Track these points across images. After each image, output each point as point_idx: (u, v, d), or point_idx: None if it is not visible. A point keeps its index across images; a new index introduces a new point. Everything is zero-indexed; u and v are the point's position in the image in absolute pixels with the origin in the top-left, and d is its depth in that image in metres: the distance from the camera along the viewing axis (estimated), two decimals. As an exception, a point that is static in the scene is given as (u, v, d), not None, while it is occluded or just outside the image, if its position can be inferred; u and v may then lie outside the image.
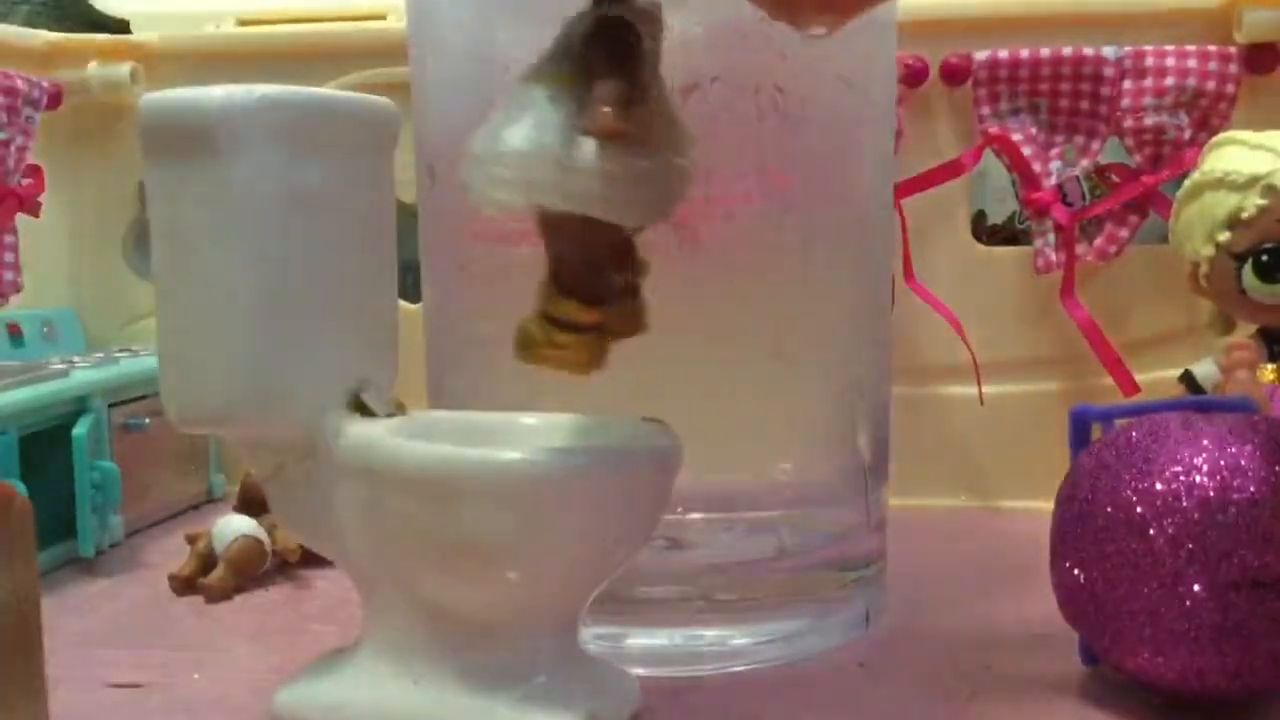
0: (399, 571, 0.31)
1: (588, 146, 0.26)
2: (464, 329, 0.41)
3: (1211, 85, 0.55)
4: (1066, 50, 0.55)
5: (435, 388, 0.42)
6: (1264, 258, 0.47)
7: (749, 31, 0.34)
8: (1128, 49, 0.55)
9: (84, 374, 0.51)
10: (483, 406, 0.36)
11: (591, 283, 0.28)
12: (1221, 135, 0.51)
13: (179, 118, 0.30)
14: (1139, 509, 0.32)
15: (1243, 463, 0.31)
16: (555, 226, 0.28)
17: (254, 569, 0.47)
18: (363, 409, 0.32)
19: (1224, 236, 0.47)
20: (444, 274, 0.41)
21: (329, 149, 0.31)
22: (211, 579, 0.46)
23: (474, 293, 0.40)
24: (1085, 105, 0.56)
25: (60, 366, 0.52)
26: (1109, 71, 0.55)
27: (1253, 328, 0.50)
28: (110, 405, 0.52)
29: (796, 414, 0.39)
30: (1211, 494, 0.31)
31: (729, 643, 0.38)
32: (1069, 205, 0.59)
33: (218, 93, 0.30)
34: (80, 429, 0.49)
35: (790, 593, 0.39)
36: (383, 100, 0.33)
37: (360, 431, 0.31)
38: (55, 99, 0.63)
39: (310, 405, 0.31)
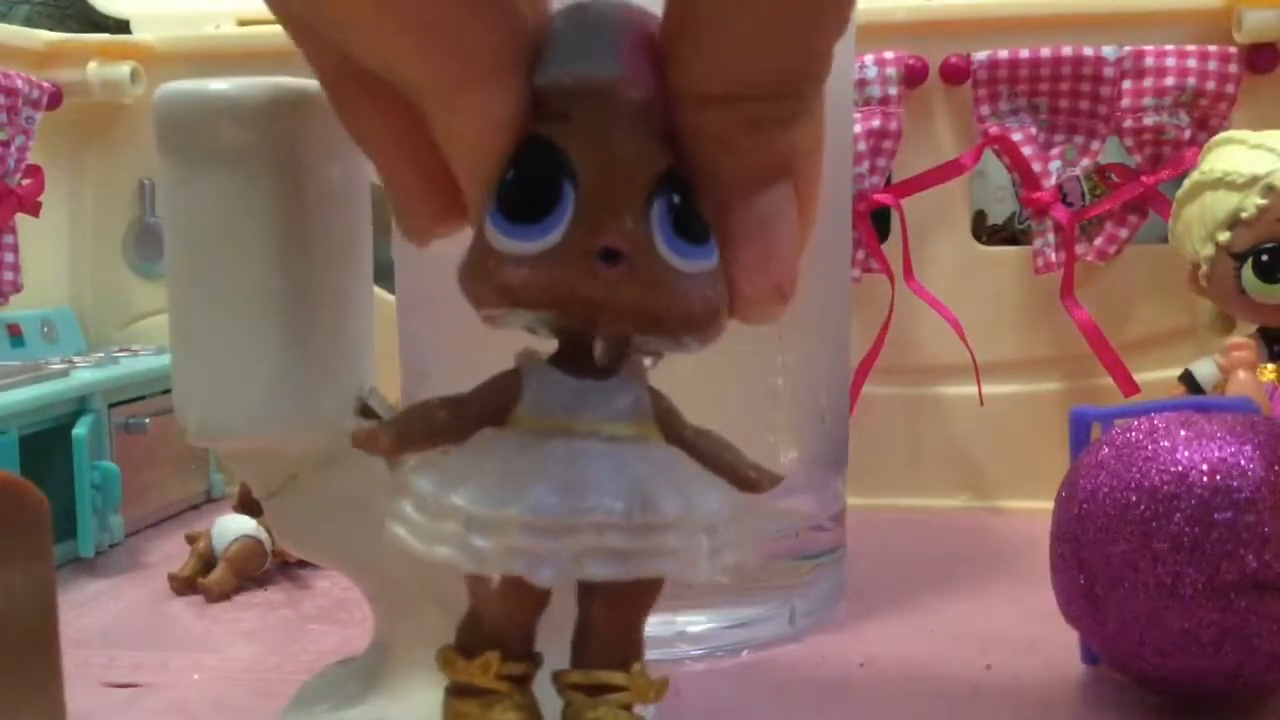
0: (432, 576, 0.30)
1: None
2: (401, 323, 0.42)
3: (1211, 85, 0.55)
4: (1066, 50, 0.55)
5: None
6: (1264, 258, 0.47)
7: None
8: (1128, 49, 0.55)
9: (84, 374, 0.51)
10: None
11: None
12: (1221, 135, 0.51)
13: (204, 110, 0.28)
14: (1139, 509, 0.32)
15: (1243, 463, 0.31)
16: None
17: (254, 569, 0.47)
18: (368, 413, 0.31)
19: (1224, 236, 0.47)
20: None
21: (342, 142, 0.30)
22: (211, 579, 0.46)
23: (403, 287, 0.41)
24: (1085, 105, 0.56)
25: (60, 366, 0.52)
26: (1109, 71, 0.55)
27: (1253, 328, 0.50)
28: (110, 405, 0.52)
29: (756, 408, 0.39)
30: (1211, 494, 0.31)
31: (690, 628, 0.39)
32: (1069, 205, 0.59)
33: (246, 84, 0.28)
34: (80, 429, 0.48)
35: (755, 579, 0.40)
36: None
37: None
38: (55, 99, 0.63)
39: (332, 411, 0.30)
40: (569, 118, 0.21)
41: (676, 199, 0.21)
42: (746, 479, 0.24)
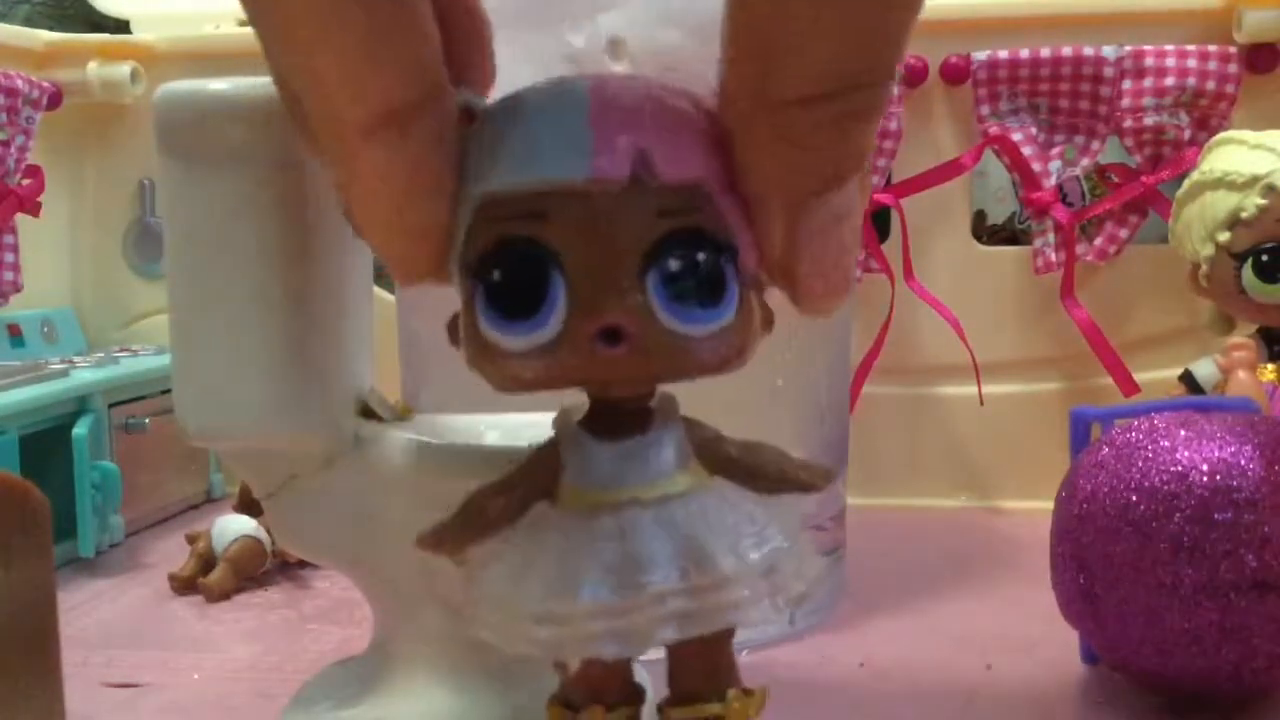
0: (432, 576, 0.30)
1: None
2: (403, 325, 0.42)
3: (1211, 85, 0.55)
4: (1066, 50, 0.55)
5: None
6: (1264, 258, 0.47)
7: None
8: (1128, 49, 0.55)
9: (84, 374, 0.51)
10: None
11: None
12: (1221, 135, 0.51)
13: (204, 110, 0.28)
14: (1139, 509, 0.32)
15: (1243, 463, 0.31)
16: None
17: (254, 569, 0.47)
18: (368, 413, 0.31)
19: (1224, 236, 0.47)
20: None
21: None
22: (211, 579, 0.46)
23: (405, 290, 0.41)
24: (1085, 105, 0.56)
25: (60, 366, 0.52)
26: (1109, 71, 0.55)
27: (1253, 328, 0.50)
28: (110, 405, 0.52)
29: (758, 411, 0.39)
30: (1211, 494, 0.31)
31: None
32: (1069, 205, 0.59)
33: (246, 84, 0.28)
34: (80, 429, 0.48)
35: None
36: None
37: (387, 435, 0.30)
38: (55, 99, 0.63)
39: (332, 412, 0.30)
40: (546, 216, 0.21)
41: (673, 265, 0.21)
42: (798, 481, 0.24)
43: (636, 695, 0.24)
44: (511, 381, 0.22)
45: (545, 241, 0.21)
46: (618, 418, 0.23)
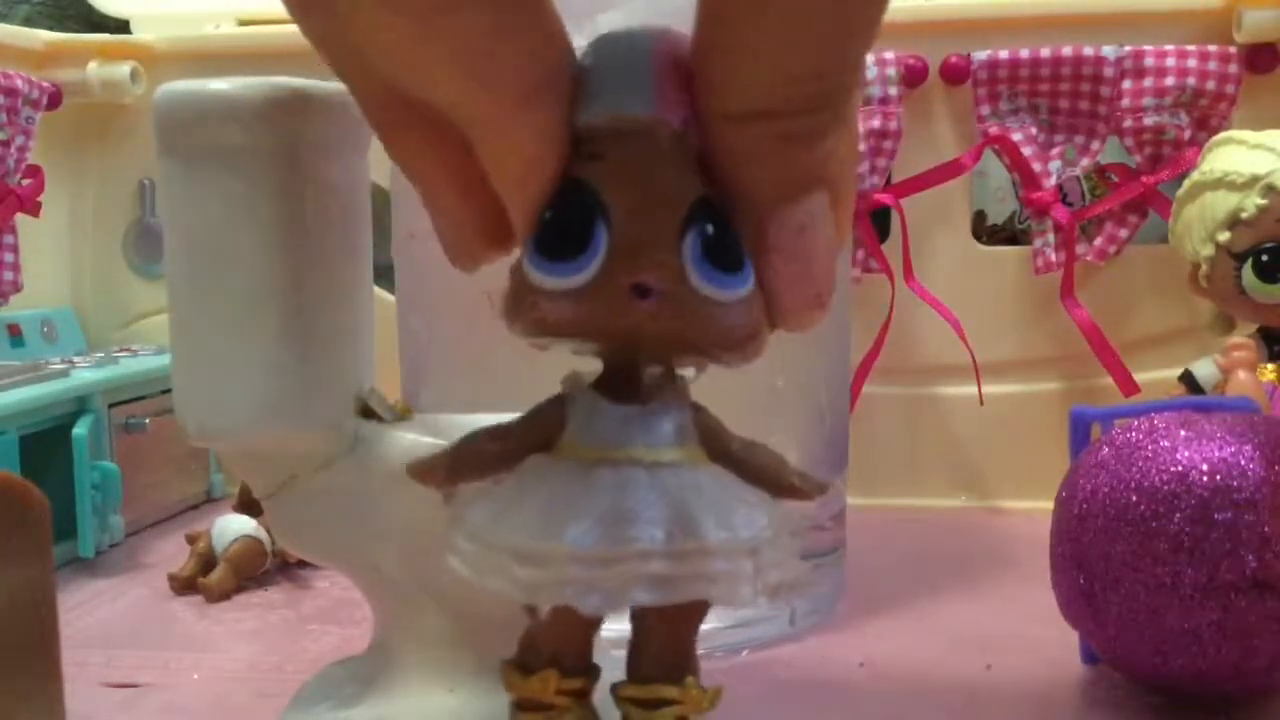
0: (432, 576, 0.30)
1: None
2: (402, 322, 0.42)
3: (1211, 85, 0.55)
4: (1066, 50, 0.55)
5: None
6: (1264, 258, 0.47)
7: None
8: (1128, 49, 0.55)
9: (84, 374, 0.51)
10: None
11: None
12: (1221, 135, 0.51)
13: (204, 110, 0.28)
14: (1139, 509, 0.32)
15: (1243, 463, 0.31)
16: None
17: (254, 569, 0.47)
18: (368, 413, 0.31)
19: (1224, 236, 0.47)
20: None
21: (342, 142, 0.30)
22: (211, 579, 0.46)
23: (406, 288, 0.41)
24: (1085, 105, 0.56)
25: (60, 366, 0.52)
26: (1109, 71, 0.55)
27: (1253, 328, 0.50)
28: (110, 405, 0.52)
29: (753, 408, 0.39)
30: (1211, 494, 0.31)
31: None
32: (1069, 205, 0.59)
33: (246, 84, 0.28)
34: (80, 429, 0.48)
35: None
36: None
37: (387, 435, 0.30)
38: (55, 99, 0.63)
39: (332, 411, 0.30)
40: (603, 158, 0.21)
41: (709, 229, 0.21)
42: (791, 488, 0.24)
43: (592, 670, 0.24)
44: (537, 326, 0.22)
45: (597, 187, 0.21)
46: (629, 383, 0.23)
